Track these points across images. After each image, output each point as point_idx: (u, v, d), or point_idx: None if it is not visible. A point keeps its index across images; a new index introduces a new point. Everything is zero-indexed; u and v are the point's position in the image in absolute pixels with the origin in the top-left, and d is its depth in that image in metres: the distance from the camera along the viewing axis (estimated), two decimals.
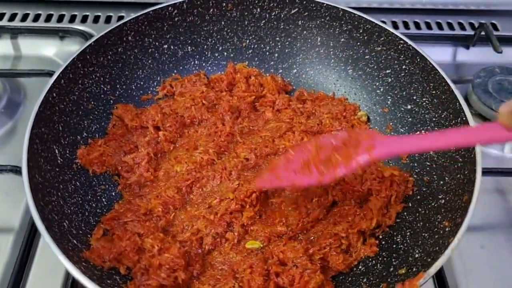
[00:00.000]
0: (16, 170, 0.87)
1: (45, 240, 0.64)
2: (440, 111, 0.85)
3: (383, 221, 0.82)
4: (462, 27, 1.32)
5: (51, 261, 0.83)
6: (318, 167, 0.74)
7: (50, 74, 1.04)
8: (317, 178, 0.73)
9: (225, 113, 0.96)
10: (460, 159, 0.77)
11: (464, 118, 0.79)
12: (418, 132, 0.89)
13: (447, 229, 0.71)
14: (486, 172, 0.88)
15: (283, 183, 0.79)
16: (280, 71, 1.07)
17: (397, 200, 0.84)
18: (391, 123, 0.95)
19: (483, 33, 1.23)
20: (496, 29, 1.31)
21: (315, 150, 0.77)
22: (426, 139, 0.67)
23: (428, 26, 1.31)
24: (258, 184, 0.83)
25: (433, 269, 0.63)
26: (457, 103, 0.81)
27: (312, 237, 0.82)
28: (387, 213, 0.83)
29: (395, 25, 1.31)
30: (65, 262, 0.63)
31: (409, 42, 0.90)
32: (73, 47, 1.22)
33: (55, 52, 1.23)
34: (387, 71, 0.95)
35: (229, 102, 0.98)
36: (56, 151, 0.81)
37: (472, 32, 1.28)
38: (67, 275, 0.81)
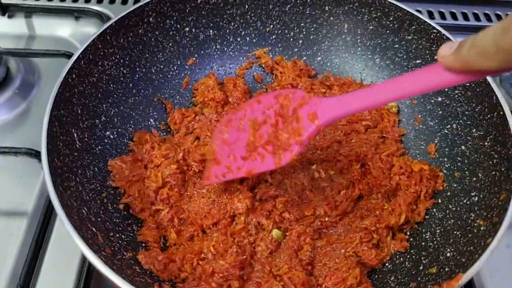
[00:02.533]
0: (31, 153, 0.85)
1: (66, 227, 0.62)
2: (474, 105, 0.81)
3: (411, 217, 0.79)
4: (488, 18, 1.28)
5: (66, 245, 0.81)
6: (266, 149, 0.70)
7: (66, 55, 1.02)
8: (273, 162, 0.69)
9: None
10: (496, 155, 0.74)
11: (501, 113, 0.75)
12: (449, 126, 0.86)
13: (482, 228, 0.68)
14: None
15: (239, 175, 0.74)
16: (304, 58, 1.03)
17: (427, 196, 0.81)
18: (419, 116, 0.92)
19: None
20: None
21: (252, 129, 0.73)
22: (368, 95, 0.61)
23: (454, 16, 1.27)
24: (206, 182, 0.80)
25: (472, 270, 0.60)
26: (494, 97, 0.77)
27: (341, 231, 0.79)
28: (416, 209, 0.80)
29: (430, 15, 1.27)
30: (85, 250, 0.60)
31: (443, 31, 0.86)
32: (89, 28, 1.19)
33: (70, 33, 1.20)
34: (417, 61, 0.91)
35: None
36: (75, 135, 0.78)
37: (498, 24, 1.23)
38: (83, 259, 0.80)
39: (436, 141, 0.88)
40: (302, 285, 0.70)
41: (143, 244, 0.78)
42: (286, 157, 0.68)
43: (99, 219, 0.73)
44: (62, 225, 0.62)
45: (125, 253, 0.71)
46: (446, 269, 0.66)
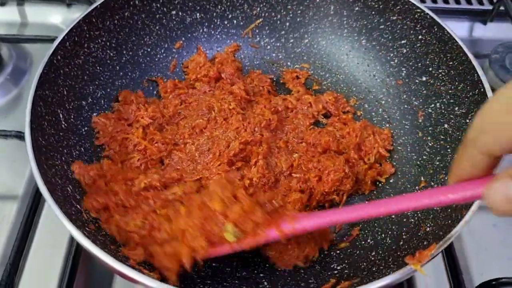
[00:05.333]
0: (21, 136, 0.87)
1: (48, 203, 0.63)
2: (456, 83, 0.82)
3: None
4: (480, 1, 1.27)
5: (54, 228, 0.83)
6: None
7: None
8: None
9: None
10: None
11: (482, 90, 0.76)
12: (432, 105, 0.86)
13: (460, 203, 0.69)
14: None
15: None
16: (291, 41, 1.04)
17: None
18: (404, 96, 0.92)
19: (502, 8, 1.19)
20: None
21: None
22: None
23: (445, 0, 1.26)
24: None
25: (445, 241, 0.61)
26: (475, 74, 0.77)
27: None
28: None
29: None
30: (68, 225, 0.61)
31: (427, 11, 0.86)
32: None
33: (61, 19, 1.21)
34: (402, 42, 0.92)
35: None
36: (61, 115, 0.79)
37: (490, 7, 1.23)
38: (71, 242, 0.81)
39: (420, 120, 0.88)
40: None
41: None
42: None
43: (84, 197, 0.74)
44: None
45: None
46: (425, 243, 0.66)
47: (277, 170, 0.84)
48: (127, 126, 0.88)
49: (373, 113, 0.96)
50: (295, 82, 1.01)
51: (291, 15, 1.02)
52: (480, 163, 0.48)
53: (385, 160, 0.89)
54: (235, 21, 1.03)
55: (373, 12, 0.95)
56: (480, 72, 0.77)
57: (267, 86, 0.99)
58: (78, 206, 0.70)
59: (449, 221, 0.66)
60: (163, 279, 0.65)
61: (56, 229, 0.82)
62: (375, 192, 0.87)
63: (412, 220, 0.75)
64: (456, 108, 0.81)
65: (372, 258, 0.72)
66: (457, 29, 1.19)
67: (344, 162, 0.83)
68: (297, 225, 0.65)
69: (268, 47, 1.05)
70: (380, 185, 0.87)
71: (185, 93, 0.96)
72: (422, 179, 0.82)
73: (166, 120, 0.91)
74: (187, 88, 0.97)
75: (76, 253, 0.79)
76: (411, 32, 0.90)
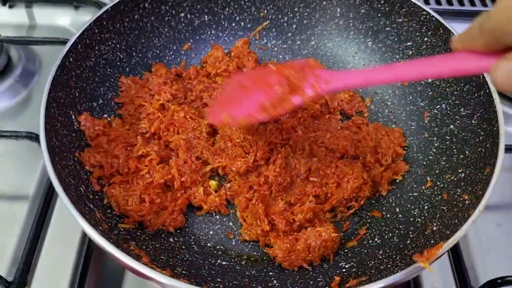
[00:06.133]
0: (31, 137, 0.88)
1: (63, 201, 0.64)
2: (462, 84, 0.83)
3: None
4: (483, 3, 1.28)
5: (66, 227, 0.84)
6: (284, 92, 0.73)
7: (65, 42, 1.01)
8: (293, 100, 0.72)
9: None
10: (482, 133, 0.76)
11: (487, 91, 0.77)
12: (438, 106, 0.87)
13: (467, 202, 0.70)
14: (507, 149, 0.86)
15: (261, 116, 0.74)
16: (298, 42, 1.05)
17: None
18: (410, 97, 0.93)
19: None
20: None
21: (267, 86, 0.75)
22: (381, 71, 0.65)
23: (449, 2, 1.28)
24: (210, 119, 0.85)
25: (453, 240, 0.62)
26: (480, 76, 0.79)
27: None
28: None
29: (426, 0, 1.27)
30: (83, 223, 0.63)
31: (432, 13, 0.87)
32: (88, 17, 1.16)
33: (69, 22, 1.22)
34: (408, 44, 0.93)
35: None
36: (73, 117, 0.80)
37: None
38: (82, 241, 0.82)
39: (426, 121, 0.89)
40: None
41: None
42: (306, 95, 0.70)
43: (97, 197, 0.76)
44: (62, 206, 0.64)
45: (121, 229, 0.74)
46: (432, 242, 0.67)
47: (295, 172, 0.85)
48: (149, 96, 0.92)
49: (379, 114, 0.97)
50: None
51: (297, 17, 1.03)
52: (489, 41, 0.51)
53: (398, 159, 0.90)
54: (242, 23, 1.04)
55: (379, 14, 0.96)
56: (485, 73, 0.78)
57: None
58: (91, 206, 0.72)
59: (456, 220, 0.67)
60: (174, 275, 0.66)
61: (67, 228, 0.83)
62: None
63: (419, 219, 0.77)
64: (462, 109, 0.82)
65: (380, 257, 0.73)
66: (461, 30, 1.21)
67: (362, 168, 0.83)
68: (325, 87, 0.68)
69: (275, 49, 1.06)
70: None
71: (208, 82, 0.98)
72: (428, 179, 0.83)
73: (187, 102, 0.94)
74: (207, 77, 1.00)
75: (87, 251, 0.81)
76: (417, 34, 0.91)
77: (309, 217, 0.79)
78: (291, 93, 0.71)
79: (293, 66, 0.73)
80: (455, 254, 0.82)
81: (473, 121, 0.79)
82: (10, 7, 1.22)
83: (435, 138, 0.86)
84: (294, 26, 1.04)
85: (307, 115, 0.92)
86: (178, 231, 0.81)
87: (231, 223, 0.84)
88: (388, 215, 0.82)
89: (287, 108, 0.71)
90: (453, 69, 0.56)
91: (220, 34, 1.04)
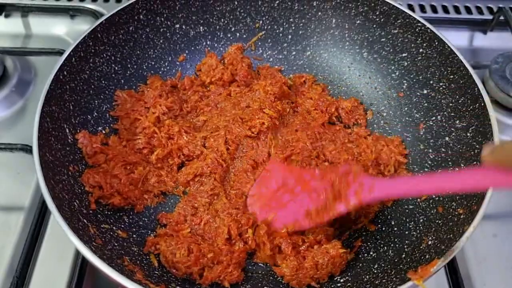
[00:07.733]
0: (26, 149, 0.88)
1: (56, 219, 0.64)
2: (457, 96, 0.83)
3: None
4: (480, 11, 1.28)
5: (61, 240, 0.84)
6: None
7: (61, 53, 1.04)
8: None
9: None
10: (477, 146, 0.76)
11: (482, 104, 0.77)
12: (433, 118, 0.87)
13: (461, 217, 0.70)
14: None
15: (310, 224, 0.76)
16: (294, 53, 1.05)
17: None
18: (406, 108, 0.93)
19: (502, 17, 1.20)
20: None
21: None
22: (418, 182, 0.68)
23: (445, 10, 1.27)
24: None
25: (447, 257, 0.62)
26: (476, 88, 0.79)
27: None
28: None
29: (411, 8, 1.27)
30: (75, 241, 0.63)
31: (427, 24, 0.88)
32: (84, 26, 1.21)
33: (65, 31, 1.22)
34: (403, 55, 0.93)
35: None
36: (67, 130, 0.80)
37: (490, 17, 1.24)
38: (77, 253, 0.82)
39: (422, 133, 0.89)
40: None
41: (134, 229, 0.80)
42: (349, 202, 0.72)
43: (91, 211, 0.75)
44: None
45: (115, 244, 0.73)
46: (427, 256, 0.67)
47: None
48: (144, 109, 0.92)
49: (375, 125, 0.97)
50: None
51: (293, 28, 1.03)
52: None
53: (400, 168, 0.89)
54: (238, 34, 1.04)
55: (374, 26, 0.96)
56: (480, 86, 0.78)
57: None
58: (85, 221, 0.71)
59: (451, 235, 0.67)
60: None
61: (62, 241, 0.83)
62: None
63: (414, 233, 0.76)
64: (457, 121, 0.82)
65: (375, 271, 0.73)
66: (457, 38, 1.22)
67: None
68: (368, 196, 0.70)
69: (271, 59, 1.06)
70: None
71: (203, 91, 0.99)
72: None
73: (183, 114, 0.94)
74: (202, 86, 1.00)
75: (82, 264, 0.80)
76: (412, 45, 0.91)
77: (319, 238, 0.78)
78: (335, 200, 0.73)
79: (337, 171, 0.75)
80: (451, 266, 0.82)
81: (468, 134, 0.79)
82: (6, 16, 1.22)
83: (430, 150, 0.86)
84: (290, 36, 1.04)
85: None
86: None
87: None
88: (383, 228, 0.82)
89: (331, 216, 0.73)
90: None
91: (216, 45, 1.04)
